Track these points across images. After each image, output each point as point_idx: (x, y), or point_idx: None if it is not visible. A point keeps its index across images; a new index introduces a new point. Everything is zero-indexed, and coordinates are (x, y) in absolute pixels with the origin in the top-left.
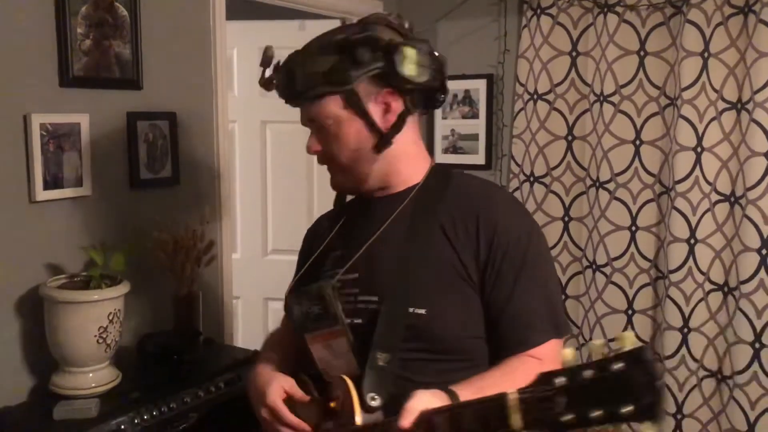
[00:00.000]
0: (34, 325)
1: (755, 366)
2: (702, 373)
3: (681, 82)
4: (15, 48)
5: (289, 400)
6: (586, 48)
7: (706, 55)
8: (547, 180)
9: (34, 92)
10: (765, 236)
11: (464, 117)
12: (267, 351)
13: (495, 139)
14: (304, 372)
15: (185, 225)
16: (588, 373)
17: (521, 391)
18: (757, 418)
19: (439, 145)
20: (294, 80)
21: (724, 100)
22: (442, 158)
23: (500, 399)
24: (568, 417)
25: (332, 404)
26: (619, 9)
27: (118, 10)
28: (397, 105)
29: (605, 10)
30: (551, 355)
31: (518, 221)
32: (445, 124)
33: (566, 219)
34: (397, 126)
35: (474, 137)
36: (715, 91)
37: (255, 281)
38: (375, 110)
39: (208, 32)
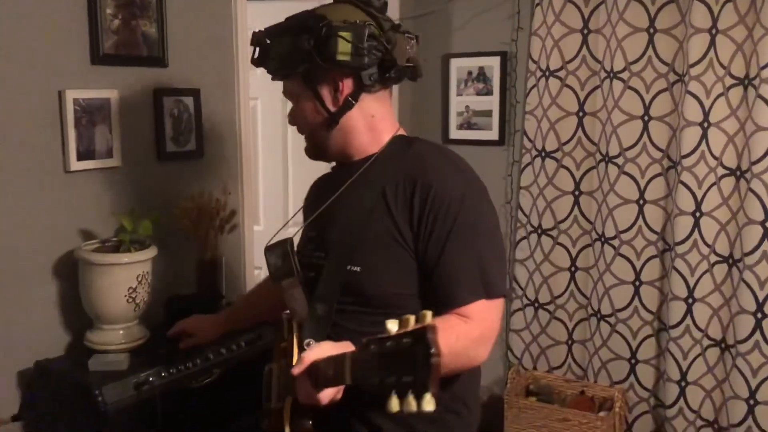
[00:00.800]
0: (69, 286)
1: (757, 335)
2: (706, 342)
3: (689, 59)
4: (49, 28)
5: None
6: (597, 25)
7: (713, 31)
8: (558, 155)
9: (68, 69)
10: None
11: (478, 94)
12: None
13: (508, 115)
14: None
15: (208, 195)
16: (389, 344)
17: (353, 353)
18: (758, 386)
19: (454, 121)
20: (266, 61)
21: (731, 75)
22: (457, 134)
23: (343, 356)
24: (374, 380)
25: (283, 344)
26: None
27: None
28: (347, 85)
29: None
30: (479, 314)
31: (452, 185)
32: (459, 100)
33: (577, 193)
34: (347, 105)
35: (488, 113)
36: (723, 67)
37: None
38: (326, 90)
39: (230, 12)
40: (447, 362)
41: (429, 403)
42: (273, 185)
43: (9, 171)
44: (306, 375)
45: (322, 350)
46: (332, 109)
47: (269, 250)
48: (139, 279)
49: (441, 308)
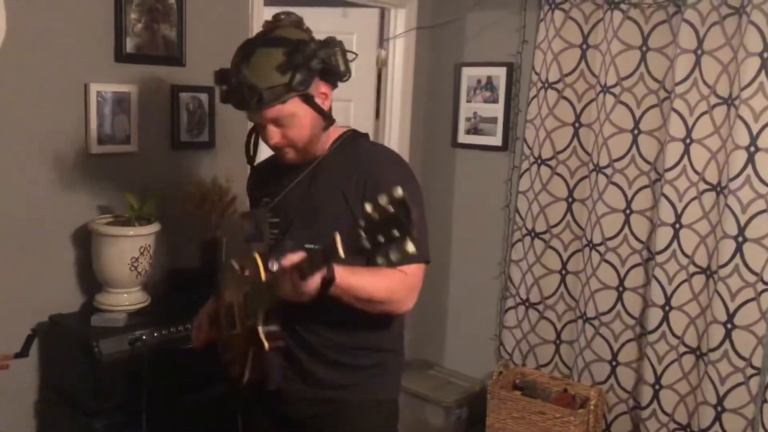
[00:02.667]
0: (85, 254)
1: (726, 344)
2: (682, 348)
3: (675, 77)
4: (79, 29)
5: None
6: (596, 41)
7: (699, 52)
8: (552, 163)
9: (94, 66)
10: (742, 224)
11: (485, 101)
12: None
13: (512, 122)
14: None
15: (214, 181)
16: (375, 215)
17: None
18: (726, 393)
19: (462, 126)
20: (259, 94)
21: (716, 95)
22: (464, 138)
23: (333, 239)
24: (366, 244)
25: (246, 272)
26: (624, 6)
27: None
28: (329, 91)
29: (612, 6)
30: (414, 270)
31: (395, 176)
32: (468, 107)
33: (570, 200)
34: (330, 107)
35: (493, 120)
36: (708, 86)
37: None
38: (319, 100)
39: (247, 17)
40: (387, 297)
41: (410, 246)
42: None
43: (38, 151)
44: (292, 270)
45: (299, 254)
46: (326, 111)
47: (244, 216)
48: (141, 251)
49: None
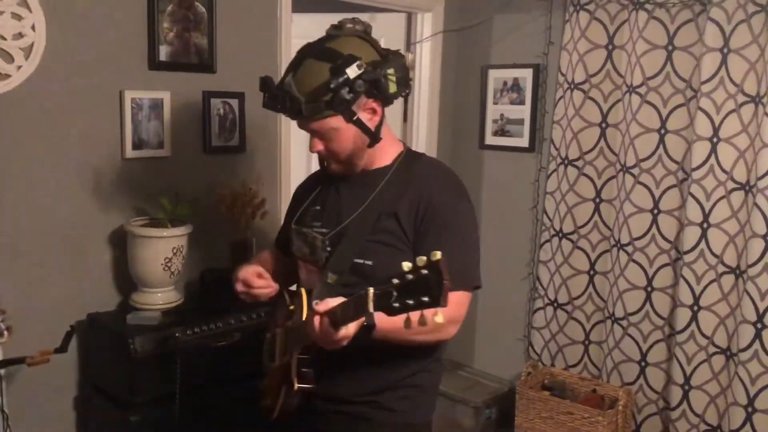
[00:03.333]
0: (121, 255)
1: (757, 344)
2: (712, 349)
3: (701, 76)
4: (114, 39)
5: (280, 302)
6: (621, 42)
7: (725, 50)
8: (579, 163)
9: (128, 73)
10: None
11: (512, 103)
12: (254, 259)
13: (538, 123)
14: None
15: (244, 184)
16: (409, 276)
17: (374, 289)
18: (756, 394)
19: (489, 128)
20: (299, 107)
21: (743, 93)
22: (491, 140)
23: (365, 293)
24: (396, 304)
25: (291, 307)
26: (649, 6)
27: (198, 8)
28: (379, 107)
29: (637, 7)
30: (459, 299)
31: (450, 199)
32: (495, 109)
33: (597, 200)
34: (381, 124)
35: (520, 122)
36: (735, 84)
37: None
38: (364, 116)
39: (275, 24)
40: (431, 334)
41: (440, 317)
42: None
43: (76, 156)
44: (325, 317)
45: (336, 300)
46: (372, 130)
47: (297, 234)
48: (174, 251)
49: None
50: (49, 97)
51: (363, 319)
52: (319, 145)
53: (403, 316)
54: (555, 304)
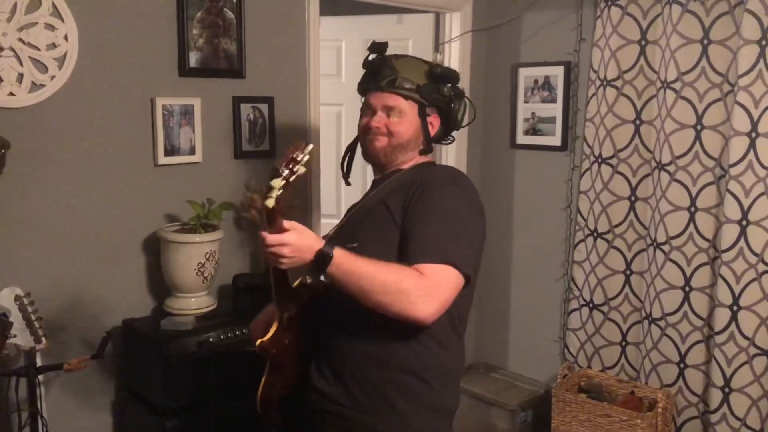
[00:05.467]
0: (155, 261)
1: None
2: (753, 350)
3: (738, 70)
4: (144, 47)
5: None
6: (655, 37)
7: (764, 42)
8: (613, 161)
9: (159, 80)
10: None
11: (543, 101)
12: None
13: (571, 122)
14: None
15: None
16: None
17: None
18: None
19: (520, 127)
20: (394, 78)
21: None
22: (523, 139)
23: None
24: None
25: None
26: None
27: (226, 14)
28: (438, 125)
29: (671, 1)
30: (433, 272)
31: (444, 188)
32: (526, 107)
33: (632, 199)
34: (433, 137)
35: (552, 120)
36: None
37: None
38: (428, 121)
39: (303, 29)
40: (393, 289)
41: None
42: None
43: (109, 163)
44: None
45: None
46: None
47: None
48: (207, 256)
49: (406, 262)
50: (82, 105)
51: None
52: (383, 121)
53: (362, 261)
54: (591, 305)
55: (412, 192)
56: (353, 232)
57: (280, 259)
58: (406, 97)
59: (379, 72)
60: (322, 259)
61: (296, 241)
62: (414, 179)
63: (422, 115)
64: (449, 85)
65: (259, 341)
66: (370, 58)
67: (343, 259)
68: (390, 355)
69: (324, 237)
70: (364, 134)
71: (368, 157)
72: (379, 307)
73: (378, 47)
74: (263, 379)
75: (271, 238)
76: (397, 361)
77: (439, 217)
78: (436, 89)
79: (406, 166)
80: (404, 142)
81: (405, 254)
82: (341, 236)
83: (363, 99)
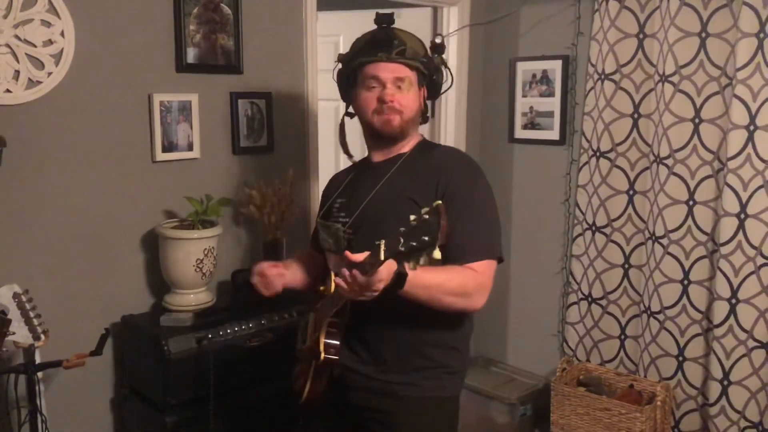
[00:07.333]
0: (153, 257)
1: None
2: (752, 343)
3: (736, 63)
4: (141, 43)
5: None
6: (653, 30)
7: (761, 35)
8: (611, 155)
9: (156, 76)
10: None
11: (541, 95)
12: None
13: (569, 116)
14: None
15: (273, 184)
16: (414, 224)
17: (386, 239)
18: None
19: (518, 121)
20: (404, 48)
21: None
22: (521, 134)
23: (378, 244)
24: (402, 248)
25: (321, 288)
26: None
27: (224, 10)
28: (423, 95)
29: None
30: (483, 268)
31: (467, 178)
32: (524, 101)
33: (631, 192)
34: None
35: (550, 114)
36: None
37: None
38: (422, 92)
39: (301, 24)
40: (460, 292)
41: (437, 253)
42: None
43: (106, 160)
44: (353, 267)
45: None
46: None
47: (323, 228)
48: (206, 252)
49: (455, 263)
50: (79, 102)
51: (393, 265)
52: (396, 95)
53: (431, 273)
54: (589, 299)
55: (441, 188)
56: (377, 226)
57: (374, 294)
58: (412, 68)
59: (389, 44)
60: (399, 279)
61: (388, 275)
62: (432, 168)
63: (421, 82)
64: (440, 55)
65: (326, 357)
66: (373, 32)
67: (416, 276)
68: (434, 337)
69: (332, 219)
70: (372, 110)
71: (380, 134)
72: (443, 308)
73: (386, 18)
74: (308, 384)
75: (369, 279)
76: (443, 340)
77: (476, 216)
78: (432, 60)
79: (407, 148)
80: (414, 116)
81: (452, 252)
82: (364, 231)
83: (360, 72)
